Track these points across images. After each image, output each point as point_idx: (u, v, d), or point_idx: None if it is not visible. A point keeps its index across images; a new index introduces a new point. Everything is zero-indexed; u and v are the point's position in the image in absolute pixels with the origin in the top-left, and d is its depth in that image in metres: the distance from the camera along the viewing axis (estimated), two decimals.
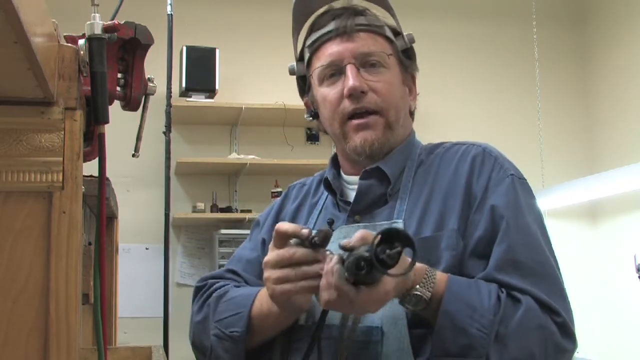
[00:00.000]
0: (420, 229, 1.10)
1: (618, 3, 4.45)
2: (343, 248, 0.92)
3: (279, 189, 3.98)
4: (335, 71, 1.17)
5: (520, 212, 1.08)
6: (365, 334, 1.05)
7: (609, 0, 4.55)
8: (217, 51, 3.95)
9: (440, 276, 1.00)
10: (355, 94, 1.14)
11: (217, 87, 3.94)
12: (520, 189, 1.11)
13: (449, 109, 4.43)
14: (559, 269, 1.09)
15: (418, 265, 0.95)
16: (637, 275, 3.49)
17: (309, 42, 1.22)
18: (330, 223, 1.16)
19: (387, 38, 1.19)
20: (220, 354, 1.13)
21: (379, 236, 0.83)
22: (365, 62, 1.16)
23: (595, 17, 4.68)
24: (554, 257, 1.10)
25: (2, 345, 0.78)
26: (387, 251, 0.83)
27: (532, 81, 4.29)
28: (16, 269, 0.80)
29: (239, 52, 4.24)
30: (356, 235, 0.92)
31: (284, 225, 0.99)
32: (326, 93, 1.18)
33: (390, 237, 0.84)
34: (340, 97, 1.16)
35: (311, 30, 1.22)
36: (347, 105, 1.15)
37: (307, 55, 1.23)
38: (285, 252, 0.98)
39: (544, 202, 4.03)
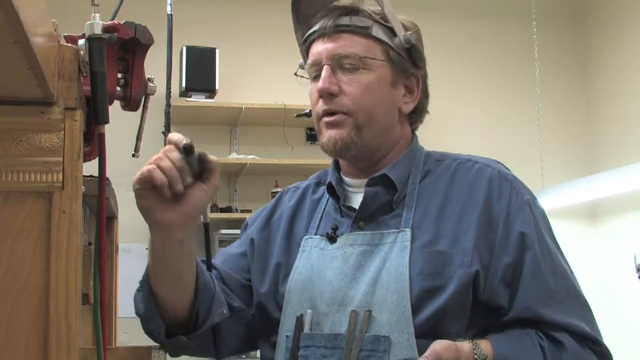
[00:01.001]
0: (433, 241, 1.11)
1: (618, 3, 4.45)
2: None
3: (279, 189, 3.97)
4: (317, 71, 1.18)
5: (543, 241, 1.12)
6: (373, 343, 1.05)
7: (609, 0, 4.56)
8: (217, 51, 3.95)
9: (485, 347, 1.03)
10: (324, 95, 1.15)
11: (217, 87, 3.94)
12: (537, 213, 1.15)
13: (449, 109, 4.43)
14: (579, 285, 1.14)
15: (465, 346, 0.98)
16: (637, 275, 3.49)
17: (303, 40, 1.24)
18: (335, 229, 1.17)
19: (376, 39, 1.18)
20: (138, 309, 1.13)
21: None
22: (342, 64, 1.16)
23: (595, 17, 4.68)
24: (573, 273, 1.15)
25: (2, 345, 0.78)
26: None
27: (532, 81, 4.29)
28: (16, 269, 0.80)
29: (239, 52, 4.24)
30: (431, 354, 0.94)
31: (174, 136, 1.01)
32: (310, 91, 1.21)
33: None
34: (317, 97, 1.18)
35: (307, 29, 1.24)
36: (320, 105, 1.17)
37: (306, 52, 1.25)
38: (165, 149, 1.00)
39: (544, 202, 4.02)
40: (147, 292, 1.10)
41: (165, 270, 1.08)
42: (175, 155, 0.98)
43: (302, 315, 1.12)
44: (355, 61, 1.15)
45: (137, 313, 1.13)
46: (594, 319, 1.12)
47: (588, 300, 1.13)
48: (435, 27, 4.50)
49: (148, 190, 0.99)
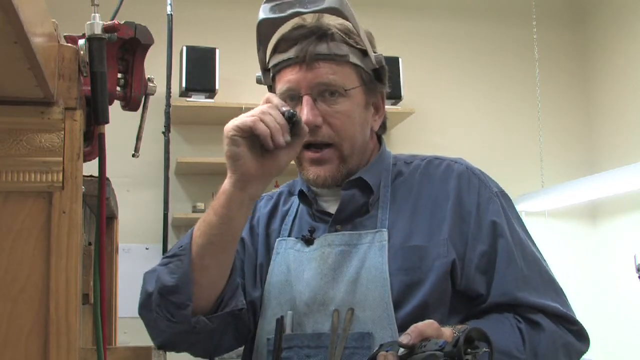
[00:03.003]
0: (409, 238, 1.13)
1: (618, 3, 4.45)
2: (403, 346, 0.91)
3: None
4: (294, 96, 1.16)
5: (513, 229, 1.16)
6: (357, 340, 1.07)
7: (609, 0, 4.55)
8: (217, 51, 3.95)
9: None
10: (309, 127, 1.13)
11: (217, 87, 3.93)
12: (506, 204, 1.19)
13: (449, 109, 4.43)
14: (551, 270, 1.18)
15: (446, 331, 0.97)
16: (637, 275, 3.49)
17: (272, 63, 1.20)
18: (312, 232, 1.18)
19: (352, 64, 1.16)
20: (165, 280, 1.08)
21: (463, 336, 0.84)
22: (323, 92, 1.14)
23: (595, 16, 4.68)
24: (545, 260, 1.19)
25: (2, 345, 0.78)
26: (470, 351, 0.84)
27: (532, 81, 4.29)
28: (16, 269, 0.80)
29: (239, 52, 4.23)
30: (413, 331, 0.92)
31: (274, 99, 1.10)
32: None
33: (469, 337, 0.86)
34: None
35: (274, 51, 1.20)
36: None
37: (271, 73, 1.22)
38: (266, 106, 1.08)
39: (544, 202, 4.03)
40: (188, 260, 1.08)
41: (224, 233, 1.09)
42: (277, 112, 1.06)
43: (282, 317, 1.13)
44: (336, 90, 1.14)
45: (163, 284, 1.08)
46: (568, 301, 1.16)
47: (563, 287, 1.17)
48: (435, 26, 4.50)
49: (243, 139, 1.05)
